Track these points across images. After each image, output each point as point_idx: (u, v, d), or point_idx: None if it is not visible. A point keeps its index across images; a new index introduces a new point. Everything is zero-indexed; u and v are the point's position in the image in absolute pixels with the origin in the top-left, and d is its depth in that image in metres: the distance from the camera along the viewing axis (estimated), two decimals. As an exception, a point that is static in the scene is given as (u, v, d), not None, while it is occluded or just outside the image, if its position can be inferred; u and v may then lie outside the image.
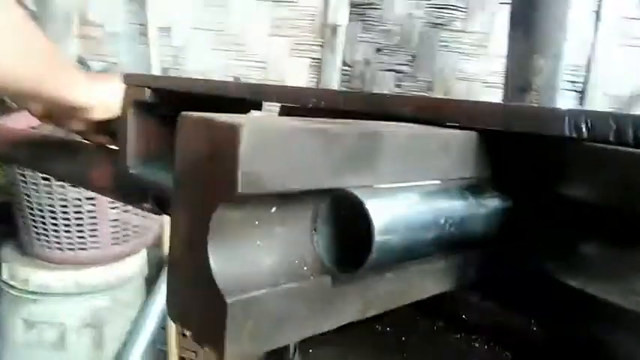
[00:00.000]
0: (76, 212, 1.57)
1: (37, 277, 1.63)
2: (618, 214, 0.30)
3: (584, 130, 0.31)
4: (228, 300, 0.25)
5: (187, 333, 0.27)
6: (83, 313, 1.68)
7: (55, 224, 1.58)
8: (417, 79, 1.62)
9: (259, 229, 0.27)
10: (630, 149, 0.29)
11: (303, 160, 0.26)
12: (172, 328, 1.84)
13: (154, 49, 1.77)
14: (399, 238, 0.28)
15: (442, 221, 0.31)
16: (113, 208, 1.63)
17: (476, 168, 0.35)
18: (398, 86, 1.65)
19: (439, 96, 1.58)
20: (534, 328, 0.34)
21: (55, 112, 0.65)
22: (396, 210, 0.28)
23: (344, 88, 1.67)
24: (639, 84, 1.43)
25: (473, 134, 0.34)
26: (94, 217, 1.61)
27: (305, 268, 0.29)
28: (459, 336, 0.36)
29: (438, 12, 1.55)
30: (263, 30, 1.74)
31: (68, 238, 1.59)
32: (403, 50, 1.62)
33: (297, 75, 1.72)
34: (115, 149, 0.71)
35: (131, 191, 0.68)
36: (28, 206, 1.57)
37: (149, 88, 0.62)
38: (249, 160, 0.23)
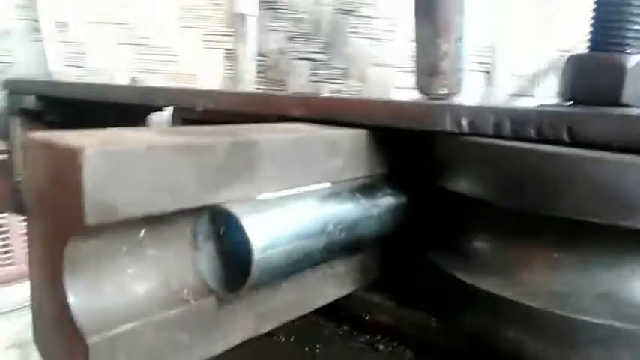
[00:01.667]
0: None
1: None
2: (500, 207, 0.30)
3: (464, 125, 0.30)
4: (89, 340, 0.22)
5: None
6: (6, 334, 1.57)
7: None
8: (332, 66, 1.61)
9: (128, 256, 0.25)
10: (507, 142, 0.29)
11: (164, 179, 0.23)
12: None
13: (50, 47, 1.65)
14: (283, 251, 0.27)
15: (331, 227, 0.30)
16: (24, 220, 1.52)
17: (367, 167, 0.34)
18: (314, 74, 1.64)
19: (355, 82, 1.59)
20: (434, 324, 0.33)
21: None
22: (277, 223, 0.27)
23: (259, 79, 1.64)
24: (542, 62, 1.50)
25: (361, 132, 0.33)
26: (5, 233, 1.50)
27: (185, 292, 0.26)
28: (363, 339, 0.36)
29: (347, -2, 1.55)
30: (169, 22, 1.66)
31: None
32: (315, 38, 1.61)
33: (211, 67, 1.67)
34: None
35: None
36: None
37: (33, 95, 0.57)
38: (97, 186, 0.21)
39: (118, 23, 1.68)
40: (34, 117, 0.61)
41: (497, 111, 0.30)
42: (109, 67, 1.67)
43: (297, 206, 0.28)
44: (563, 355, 0.29)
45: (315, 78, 1.63)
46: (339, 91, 1.58)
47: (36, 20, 1.67)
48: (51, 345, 0.25)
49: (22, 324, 1.56)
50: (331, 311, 0.37)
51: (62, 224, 0.22)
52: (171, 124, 0.49)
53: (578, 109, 0.28)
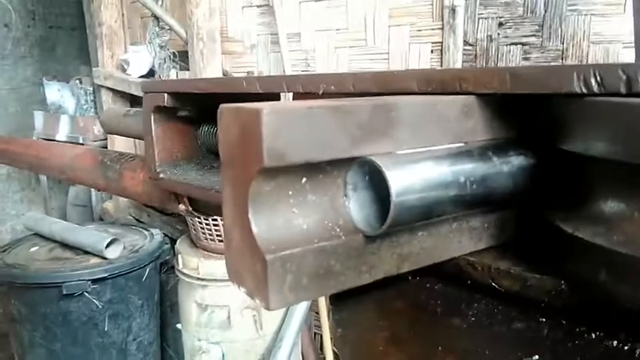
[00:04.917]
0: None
1: (204, 265, 1.88)
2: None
3: (594, 84, 0.31)
4: (268, 257, 0.30)
5: (242, 290, 0.33)
6: (244, 297, 1.89)
7: (215, 219, 1.80)
8: (547, 48, 1.53)
9: (293, 198, 0.33)
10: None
11: (319, 134, 0.30)
12: (324, 310, 1.98)
13: (285, 55, 1.92)
14: (418, 197, 0.32)
15: (462, 179, 0.34)
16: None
17: (498, 129, 0.37)
18: (526, 59, 1.57)
19: (573, 63, 1.47)
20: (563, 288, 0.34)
21: None
22: (413, 172, 0.32)
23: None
24: None
25: (491, 97, 0.36)
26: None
27: (337, 230, 0.34)
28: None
29: (564, -26, 1.44)
30: (383, 22, 1.78)
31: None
32: (528, 20, 1.54)
33: (420, 61, 1.73)
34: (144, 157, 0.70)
35: (164, 196, 0.70)
36: (192, 205, 1.82)
37: (167, 93, 0.61)
38: (271, 137, 0.29)
39: (338, 29, 1.87)
40: (169, 114, 0.64)
41: (627, 67, 0.30)
42: (330, 69, 1.87)
43: (432, 159, 0.33)
44: None
45: (526, 63, 1.56)
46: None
47: (275, 34, 1.97)
48: (238, 267, 0.33)
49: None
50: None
51: (247, 169, 0.31)
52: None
53: None
